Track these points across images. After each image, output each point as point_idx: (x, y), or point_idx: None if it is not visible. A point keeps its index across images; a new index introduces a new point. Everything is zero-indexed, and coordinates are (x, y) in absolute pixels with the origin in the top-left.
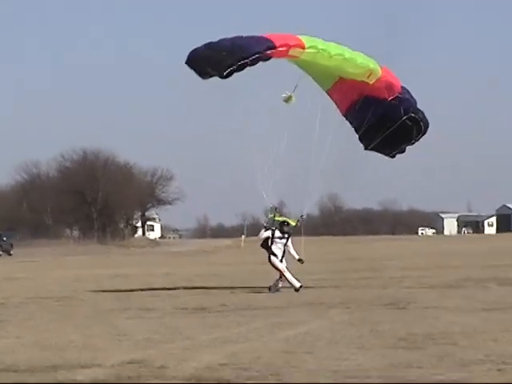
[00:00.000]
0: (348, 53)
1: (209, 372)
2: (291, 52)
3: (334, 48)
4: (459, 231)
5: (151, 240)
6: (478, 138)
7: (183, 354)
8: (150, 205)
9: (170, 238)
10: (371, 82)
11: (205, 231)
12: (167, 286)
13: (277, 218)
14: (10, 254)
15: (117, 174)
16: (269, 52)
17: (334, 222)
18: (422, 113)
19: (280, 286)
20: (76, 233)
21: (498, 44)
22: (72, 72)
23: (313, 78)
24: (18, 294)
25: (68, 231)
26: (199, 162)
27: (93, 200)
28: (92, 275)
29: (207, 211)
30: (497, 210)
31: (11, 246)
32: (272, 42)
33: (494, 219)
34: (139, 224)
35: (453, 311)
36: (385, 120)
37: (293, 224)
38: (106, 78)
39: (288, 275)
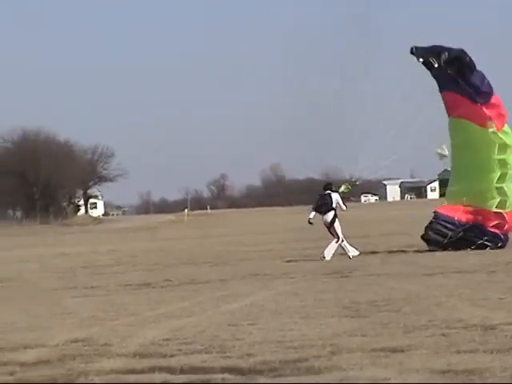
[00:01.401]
0: None
1: (153, 348)
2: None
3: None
4: (402, 197)
5: (94, 218)
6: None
7: (127, 331)
8: (92, 182)
9: (113, 214)
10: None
11: (148, 207)
12: (111, 263)
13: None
14: None
15: (57, 153)
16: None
17: (278, 193)
18: None
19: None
20: (19, 214)
21: None
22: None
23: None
24: None
25: (11, 212)
26: (141, 138)
27: (35, 180)
28: (35, 255)
29: (150, 187)
30: (439, 175)
31: None
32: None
33: (436, 184)
34: (82, 202)
35: (396, 277)
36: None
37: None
38: (42, 56)
39: (346, 243)
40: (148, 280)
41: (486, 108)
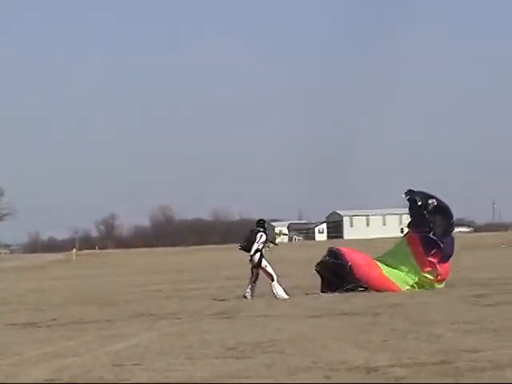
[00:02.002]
0: None
1: None
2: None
3: None
4: (290, 239)
5: None
6: (307, 147)
7: (11, 370)
8: None
9: (0, 253)
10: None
11: (36, 246)
12: None
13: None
14: None
15: None
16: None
17: (166, 233)
18: None
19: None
20: None
21: None
22: None
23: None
24: None
25: None
26: (29, 177)
27: None
28: None
29: (39, 225)
30: (327, 217)
31: None
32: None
33: (324, 226)
34: None
35: (282, 319)
36: None
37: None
38: None
39: (276, 283)
40: (34, 319)
41: (435, 264)
